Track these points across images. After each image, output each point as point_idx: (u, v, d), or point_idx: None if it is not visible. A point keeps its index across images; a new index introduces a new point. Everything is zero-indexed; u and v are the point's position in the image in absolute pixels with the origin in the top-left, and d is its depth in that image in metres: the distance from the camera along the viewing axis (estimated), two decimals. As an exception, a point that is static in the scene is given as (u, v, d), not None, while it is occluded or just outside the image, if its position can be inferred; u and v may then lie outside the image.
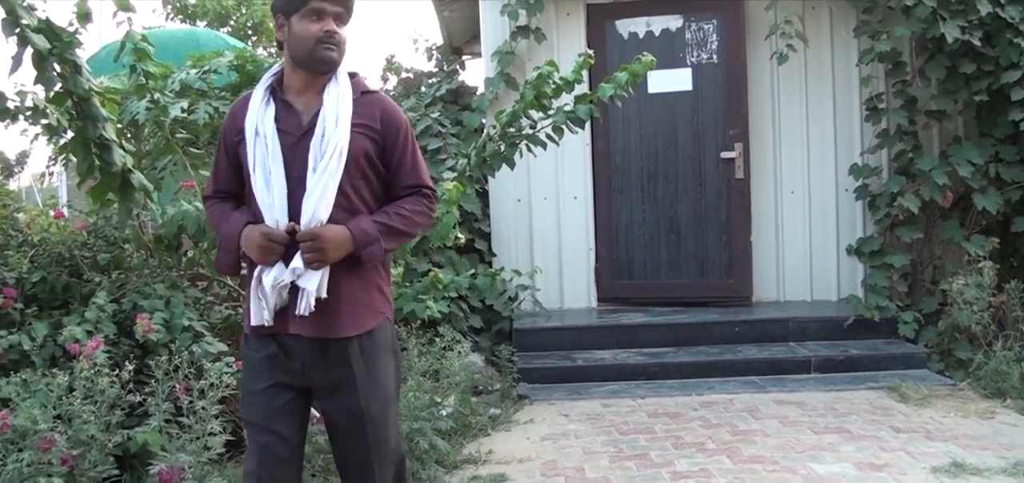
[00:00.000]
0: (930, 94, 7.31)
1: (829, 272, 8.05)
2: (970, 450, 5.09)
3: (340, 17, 2.83)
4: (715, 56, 7.93)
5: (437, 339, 5.78)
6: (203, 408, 4.03)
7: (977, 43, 6.91)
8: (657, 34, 7.98)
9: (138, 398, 4.14)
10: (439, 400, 5.43)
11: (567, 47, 7.93)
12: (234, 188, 2.88)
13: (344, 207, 2.81)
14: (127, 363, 4.16)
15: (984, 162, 7.15)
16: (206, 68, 6.11)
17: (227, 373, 4.15)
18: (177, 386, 4.11)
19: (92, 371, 4.04)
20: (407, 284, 5.10)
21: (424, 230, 3.25)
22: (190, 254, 5.24)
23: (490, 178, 5.94)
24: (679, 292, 8.03)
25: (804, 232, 8.08)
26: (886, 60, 7.42)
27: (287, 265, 2.76)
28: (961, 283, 6.84)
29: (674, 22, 8.00)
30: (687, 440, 5.46)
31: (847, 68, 7.94)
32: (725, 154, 7.89)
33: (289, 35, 2.84)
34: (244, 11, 18.02)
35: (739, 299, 7.95)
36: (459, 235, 4.92)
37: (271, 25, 18.55)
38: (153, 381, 4.11)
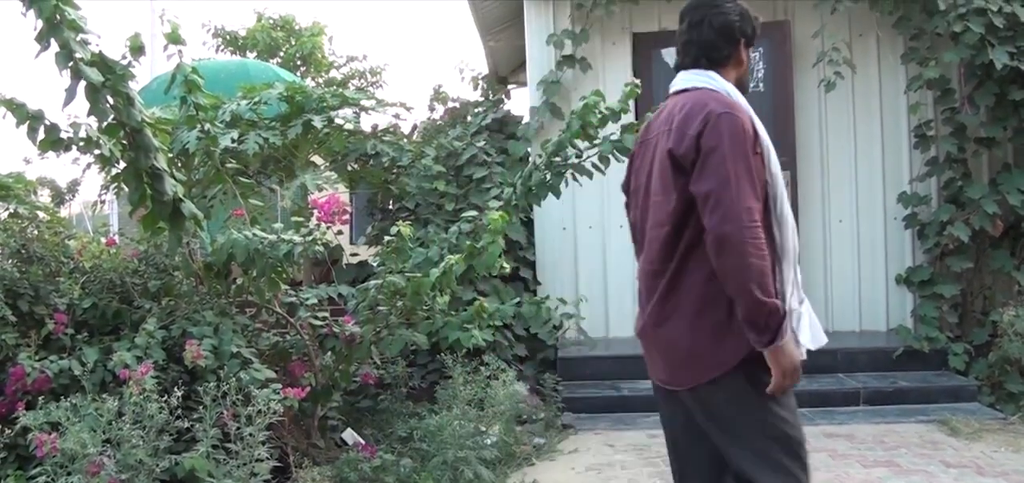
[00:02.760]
0: (979, 121, 7.22)
1: (878, 302, 7.95)
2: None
3: None
4: (762, 84, 7.90)
5: (482, 368, 5.78)
6: (250, 434, 4.07)
7: (1026, 70, 6.83)
8: (703, 63, 7.94)
9: (186, 424, 4.18)
10: (484, 429, 5.43)
11: (613, 76, 7.93)
12: None
13: None
14: (176, 389, 4.20)
15: (1035, 190, 7.04)
16: (256, 99, 6.20)
17: (274, 400, 4.18)
18: (225, 412, 4.15)
19: (141, 396, 4.09)
20: (452, 313, 5.11)
21: None
22: (239, 281, 5.31)
23: (535, 207, 5.96)
24: (725, 322, 7.94)
25: (852, 261, 7.99)
26: (934, 87, 7.35)
27: None
28: (1012, 314, 6.71)
29: (720, 51, 7.95)
30: (734, 472, 5.39)
31: (895, 95, 7.86)
32: (772, 183, 7.81)
33: (745, 62, 3.04)
34: (293, 43, 18.26)
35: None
36: (504, 264, 4.92)
37: (320, 56, 18.97)
38: (201, 407, 4.15)
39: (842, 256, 8.00)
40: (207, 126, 5.31)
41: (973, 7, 6.96)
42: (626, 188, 3.21)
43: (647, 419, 6.59)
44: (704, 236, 2.67)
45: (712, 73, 2.93)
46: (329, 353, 5.36)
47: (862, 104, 7.95)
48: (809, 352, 7.14)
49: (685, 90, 2.93)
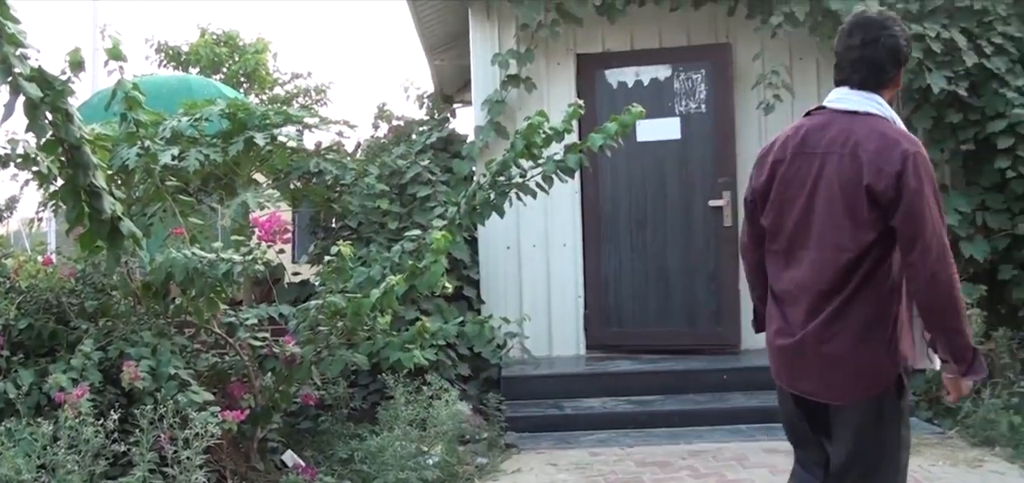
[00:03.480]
0: (917, 143, 7.38)
1: (817, 320, 8.04)
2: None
3: None
4: (703, 106, 8.00)
5: (424, 388, 5.77)
6: (188, 458, 4.03)
7: (963, 93, 7.01)
8: (646, 84, 8.05)
9: (123, 447, 4.12)
10: (426, 449, 5.41)
11: (557, 96, 7.99)
12: None
13: None
14: (112, 412, 4.14)
15: (971, 210, 7.22)
16: (198, 115, 6.14)
17: (212, 423, 4.14)
18: (162, 435, 4.10)
19: (77, 420, 4.02)
20: (394, 333, 5.09)
21: None
22: (178, 301, 5.24)
23: (479, 226, 5.97)
24: (668, 339, 8.03)
25: (792, 280, 8.07)
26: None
27: None
28: (951, 331, 6.83)
29: (663, 72, 8.07)
30: (675, 490, 5.45)
31: (834, 118, 7.98)
32: (713, 202, 7.93)
33: (900, 84, 3.18)
34: (237, 59, 18.13)
35: (727, 347, 7.95)
36: (447, 284, 4.92)
37: (264, 72, 18.83)
38: (138, 430, 4.10)
39: (782, 275, 8.08)
40: (147, 143, 5.26)
41: (911, 33, 7.09)
42: (763, 193, 3.21)
43: (589, 437, 6.62)
44: (908, 270, 2.90)
45: (878, 97, 3.05)
46: (269, 374, 5.31)
47: (801, 126, 8.05)
48: (751, 368, 7.33)
49: (855, 112, 3.03)
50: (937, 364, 3.06)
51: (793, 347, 3.08)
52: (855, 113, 3.02)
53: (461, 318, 5.69)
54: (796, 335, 3.06)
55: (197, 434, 4.06)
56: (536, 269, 8.13)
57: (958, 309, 2.88)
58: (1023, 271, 7.25)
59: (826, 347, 2.99)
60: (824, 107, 3.13)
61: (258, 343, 5.34)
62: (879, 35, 3.05)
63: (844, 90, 3.09)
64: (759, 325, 3.43)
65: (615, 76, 8.13)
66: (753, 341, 8.01)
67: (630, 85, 8.07)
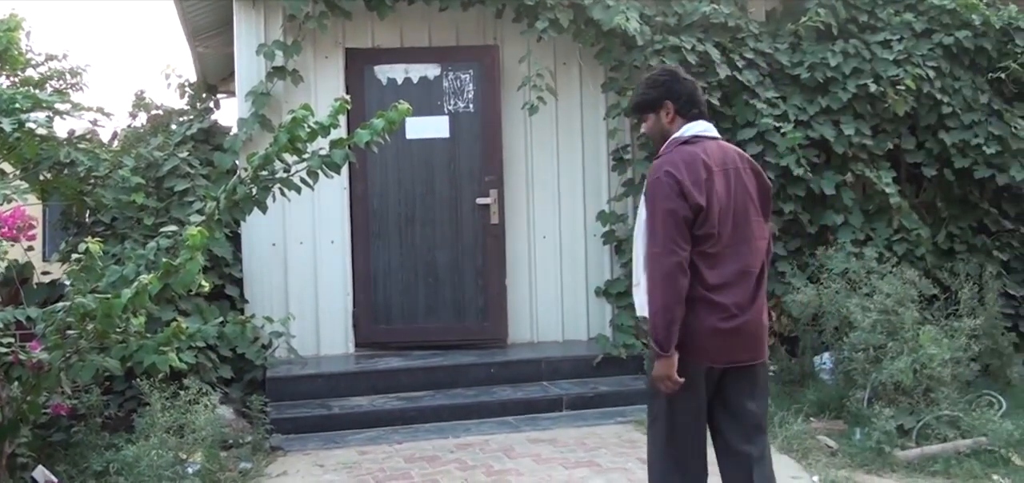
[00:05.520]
0: (672, 146, 7.78)
1: (579, 313, 8.35)
2: (714, 476, 5.39)
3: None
4: (471, 105, 8.11)
5: (182, 392, 5.55)
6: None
7: (716, 103, 7.48)
8: (416, 81, 8.07)
9: None
10: (185, 457, 5.22)
11: (325, 90, 7.85)
12: None
13: None
14: None
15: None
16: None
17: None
18: None
19: None
20: (149, 335, 4.86)
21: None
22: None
23: (243, 222, 5.81)
24: (437, 335, 8.09)
25: (556, 275, 8.35)
26: (631, 115, 7.84)
27: None
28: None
29: (432, 70, 8.11)
30: (443, 484, 5.50)
31: (595, 121, 8.32)
32: (481, 200, 8.06)
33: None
34: (-13, 37, 16.86)
35: (494, 341, 8.09)
36: (203, 282, 4.73)
37: (15, 54, 17.60)
38: None
39: (546, 270, 8.35)
40: None
41: (668, 44, 7.62)
42: (705, 204, 3.63)
43: (357, 436, 6.59)
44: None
45: None
46: (15, 383, 4.94)
47: (565, 127, 8.34)
48: (518, 362, 7.58)
49: (718, 138, 3.86)
50: None
51: (743, 325, 3.66)
52: (718, 138, 3.85)
53: (221, 318, 5.51)
54: (745, 314, 3.67)
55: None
56: (303, 266, 7.98)
57: None
58: (773, 267, 7.78)
59: (762, 316, 3.76)
60: (699, 136, 3.78)
61: (3, 350, 4.96)
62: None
63: (704, 122, 3.85)
64: (673, 343, 3.59)
65: (385, 72, 8.10)
66: (518, 335, 8.23)
67: (400, 82, 8.06)
